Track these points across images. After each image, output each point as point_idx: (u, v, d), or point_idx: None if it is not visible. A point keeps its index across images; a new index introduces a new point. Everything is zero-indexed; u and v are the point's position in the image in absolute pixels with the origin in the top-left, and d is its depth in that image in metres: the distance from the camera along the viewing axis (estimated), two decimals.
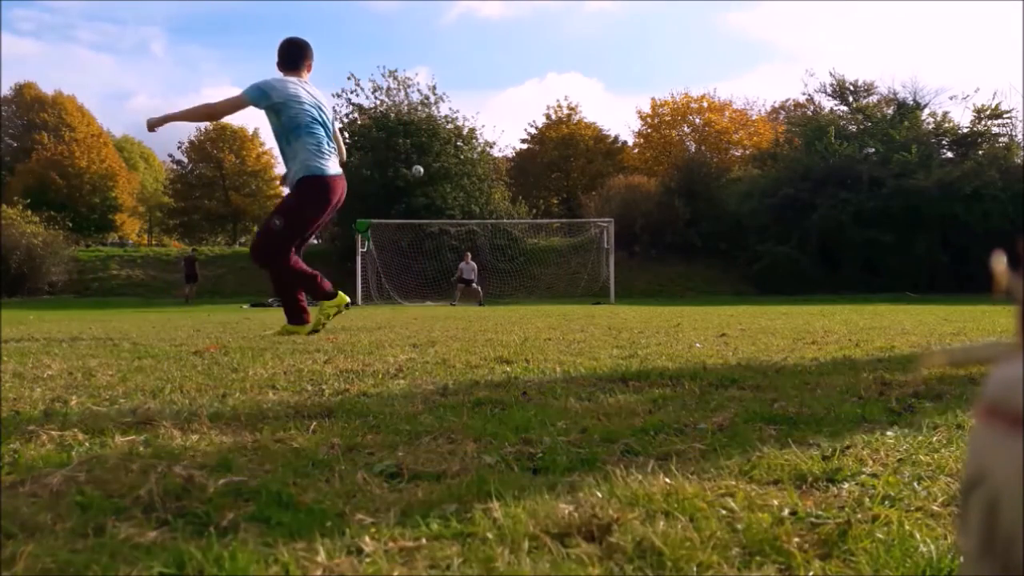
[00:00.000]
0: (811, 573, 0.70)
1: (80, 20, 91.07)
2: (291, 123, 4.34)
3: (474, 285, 17.99)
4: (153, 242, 43.43)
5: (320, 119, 4.45)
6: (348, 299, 4.65)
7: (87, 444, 1.26)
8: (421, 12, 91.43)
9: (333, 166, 4.45)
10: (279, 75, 4.47)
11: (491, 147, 29.20)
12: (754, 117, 37.91)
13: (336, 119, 24.57)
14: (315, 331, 4.48)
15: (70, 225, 31.86)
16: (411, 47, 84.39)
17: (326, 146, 4.43)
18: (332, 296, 4.56)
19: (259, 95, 4.29)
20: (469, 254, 18.97)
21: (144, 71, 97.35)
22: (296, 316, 4.51)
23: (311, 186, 4.38)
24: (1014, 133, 26.71)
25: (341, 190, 4.54)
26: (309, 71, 4.57)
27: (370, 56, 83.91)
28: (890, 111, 28.87)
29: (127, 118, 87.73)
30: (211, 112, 4.41)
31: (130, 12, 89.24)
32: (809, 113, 31.39)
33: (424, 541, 0.77)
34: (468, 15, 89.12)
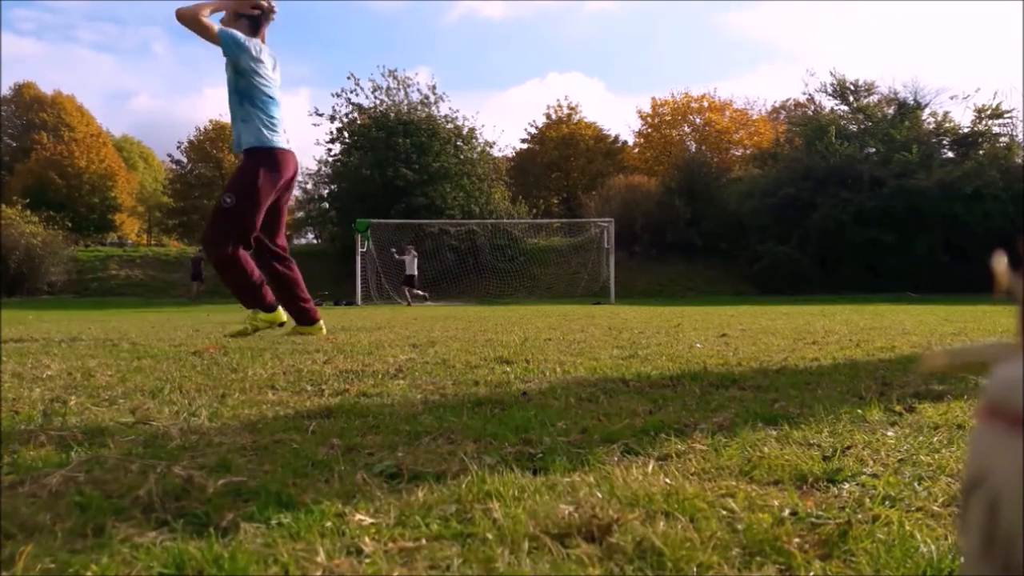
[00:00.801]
0: (811, 573, 0.70)
1: (81, 20, 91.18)
2: (252, 90, 4.19)
3: (415, 288, 17.89)
4: (152, 242, 43.42)
5: (275, 93, 4.29)
6: (284, 319, 4.37)
7: (87, 444, 1.26)
8: (422, 12, 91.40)
9: (283, 141, 4.28)
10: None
11: (491, 147, 29.22)
12: (754, 117, 37.93)
13: (335, 118, 24.25)
14: (242, 334, 4.27)
15: (69, 225, 31.87)
16: (413, 47, 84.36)
17: (279, 120, 4.28)
18: (271, 309, 4.31)
19: (233, 47, 4.10)
20: (411, 246, 18.81)
21: (146, 71, 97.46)
22: (260, 302, 4.29)
23: (263, 157, 4.19)
24: (1014, 133, 26.72)
25: (293, 167, 4.36)
26: (263, 39, 4.38)
27: (371, 56, 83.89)
28: (891, 111, 28.89)
29: (129, 118, 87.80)
30: (202, 27, 4.09)
31: (131, 12, 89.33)
32: (810, 113, 31.39)
33: (424, 541, 0.77)
34: (470, 15, 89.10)
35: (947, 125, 27.78)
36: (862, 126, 28.38)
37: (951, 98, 38.53)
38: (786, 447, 1.21)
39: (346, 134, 27.96)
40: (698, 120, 37.47)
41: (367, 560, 0.73)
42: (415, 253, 18.52)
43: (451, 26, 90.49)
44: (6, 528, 0.81)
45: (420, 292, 18.44)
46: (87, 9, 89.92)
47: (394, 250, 19.17)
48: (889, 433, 1.33)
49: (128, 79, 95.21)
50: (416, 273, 18.22)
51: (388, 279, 20.60)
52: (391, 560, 0.73)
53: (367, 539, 0.77)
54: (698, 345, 3.40)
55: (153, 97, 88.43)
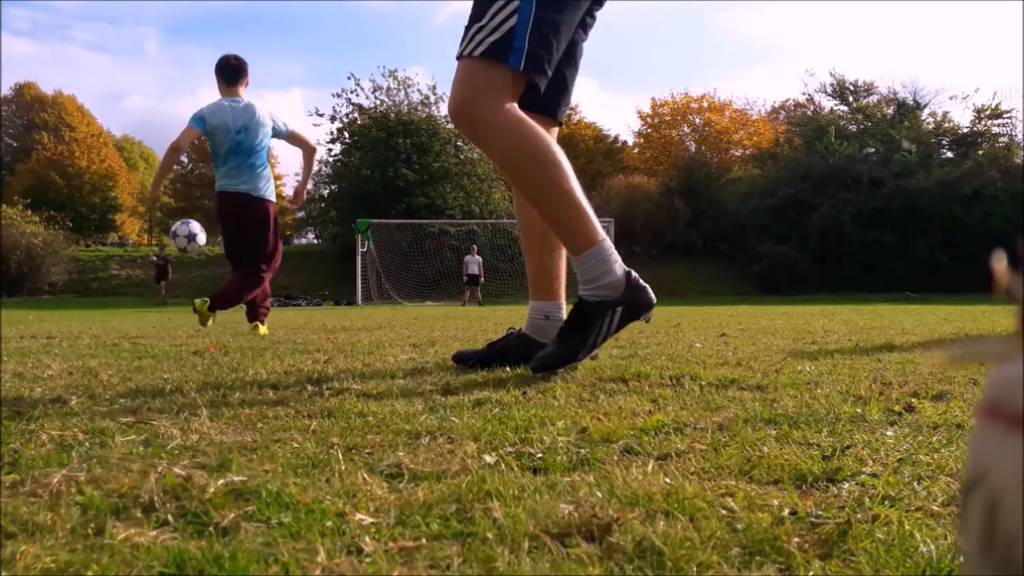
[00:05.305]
0: (811, 573, 0.70)
1: (75, 20, 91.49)
2: (212, 151, 5.01)
3: (481, 281, 18.38)
4: (153, 242, 43.42)
5: (234, 143, 4.91)
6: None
7: (87, 444, 1.26)
8: (414, 11, 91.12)
9: (231, 185, 4.95)
10: (217, 96, 5.02)
11: None
12: (754, 117, 37.92)
13: (336, 118, 24.61)
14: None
15: (70, 225, 31.85)
16: (406, 46, 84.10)
17: (234, 167, 4.94)
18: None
19: (199, 124, 4.85)
20: (475, 247, 19.17)
21: (139, 70, 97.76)
22: (253, 315, 5.08)
23: (216, 201, 5.09)
24: (1014, 133, 26.74)
25: (228, 205, 4.97)
26: (246, 86, 5.11)
27: (365, 56, 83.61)
28: (890, 111, 28.89)
29: (123, 117, 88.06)
30: (177, 148, 4.88)
31: (125, 11, 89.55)
32: (809, 113, 31.40)
33: (424, 541, 0.77)
34: (460, 15, 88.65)
35: (946, 125, 27.79)
36: (861, 126, 28.38)
37: (950, 98, 38.61)
38: (786, 447, 1.21)
39: (346, 134, 27.95)
40: (698, 120, 37.47)
41: (367, 560, 0.73)
42: (477, 254, 18.93)
43: (442, 25, 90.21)
44: (6, 528, 0.81)
45: (469, 292, 18.69)
46: (81, 9, 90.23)
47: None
48: (888, 433, 1.33)
49: (122, 78, 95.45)
50: (479, 273, 18.57)
51: (388, 279, 20.59)
52: (391, 559, 0.73)
53: (367, 538, 0.78)
54: (698, 345, 3.40)
55: (146, 96, 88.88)
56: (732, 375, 2.15)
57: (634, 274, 2.27)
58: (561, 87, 2.65)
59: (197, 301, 4.88)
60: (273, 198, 5.16)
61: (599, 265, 2.23)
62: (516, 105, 2.25)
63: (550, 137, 2.29)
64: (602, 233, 2.27)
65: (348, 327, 5.71)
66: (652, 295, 2.30)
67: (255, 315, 5.05)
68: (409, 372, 2.35)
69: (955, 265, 23.02)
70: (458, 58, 2.25)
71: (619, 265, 2.27)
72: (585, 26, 2.58)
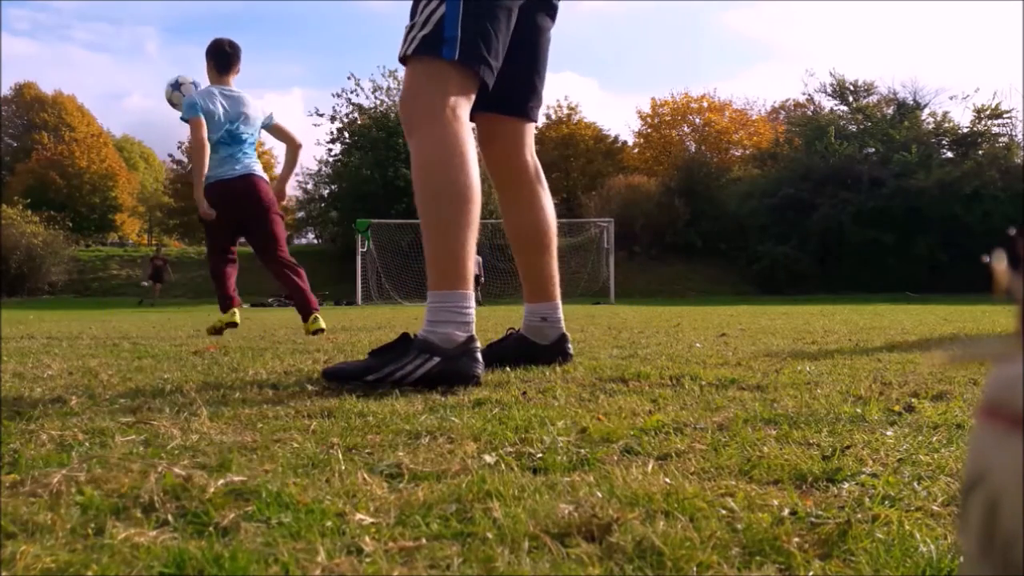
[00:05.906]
0: (811, 573, 0.70)
1: (75, 20, 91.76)
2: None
3: (481, 281, 18.41)
4: (153, 242, 43.44)
5: (227, 132, 4.79)
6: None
7: (87, 444, 1.26)
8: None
9: (225, 173, 4.76)
10: (207, 82, 4.93)
11: None
12: (754, 117, 37.93)
13: (336, 119, 24.57)
14: (216, 331, 4.71)
15: (70, 225, 31.86)
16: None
17: (227, 156, 4.78)
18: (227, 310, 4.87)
19: (197, 111, 4.67)
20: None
21: (139, 70, 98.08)
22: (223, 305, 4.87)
23: (208, 194, 4.80)
24: (1014, 133, 26.74)
25: (226, 193, 4.75)
26: (237, 74, 4.95)
27: (364, 56, 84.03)
28: (890, 111, 28.89)
29: (123, 117, 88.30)
30: (200, 147, 4.66)
31: (125, 12, 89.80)
32: (809, 113, 31.40)
33: (424, 541, 0.77)
34: None
35: (946, 125, 27.80)
36: (861, 126, 28.39)
37: (950, 98, 38.64)
38: (786, 447, 1.21)
39: (346, 134, 27.96)
40: (698, 120, 37.48)
41: (367, 560, 0.73)
42: (479, 257, 19.01)
43: None
44: (6, 528, 0.81)
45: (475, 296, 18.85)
46: (81, 9, 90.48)
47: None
48: (888, 433, 1.33)
49: (122, 78, 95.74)
50: (479, 273, 18.67)
51: (388, 279, 20.58)
52: (391, 559, 0.73)
53: (367, 538, 0.78)
54: (698, 345, 3.40)
55: (146, 96, 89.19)
56: (732, 375, 2.15)
57: (477, 345, 2.08)
58: (528, 83, 2.56)
59: (317, 322, 4.58)
60: (266, 177, 5.00)
61: (447, 312, 2.06)
62: (464, 111, 2.14)
63: (476, 171, 2.14)
64: (471, 290, 2.11)
65: (348, 327, 5.71)
66: (479, 374, 2.05)
67: (229, 305, 4.87)
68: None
69: (955, 265, 23.00)
70: (401, 63, 2.17)
71: (467, 328, 2.07)
72: (548, 15, 2.50)
